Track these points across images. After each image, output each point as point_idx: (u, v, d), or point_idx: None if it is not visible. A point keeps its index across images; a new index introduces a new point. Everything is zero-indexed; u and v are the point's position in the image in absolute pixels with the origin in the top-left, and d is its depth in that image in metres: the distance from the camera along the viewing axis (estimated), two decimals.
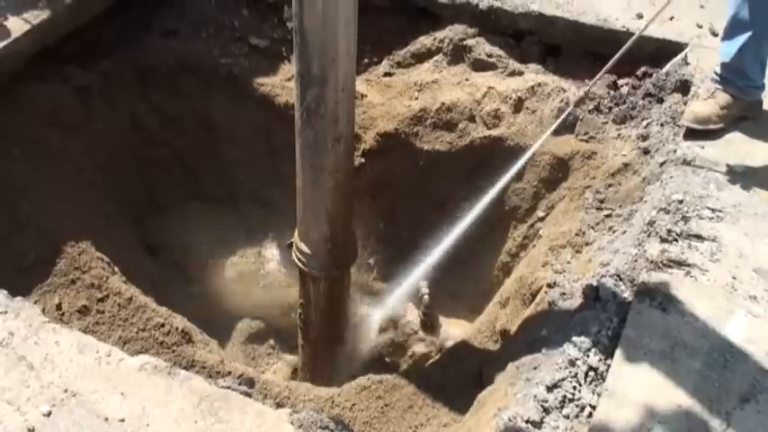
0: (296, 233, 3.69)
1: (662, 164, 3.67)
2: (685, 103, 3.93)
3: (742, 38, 3.49)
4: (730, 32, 3.56)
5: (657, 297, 2.86)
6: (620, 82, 4.42)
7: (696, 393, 2.54)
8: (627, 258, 3.16)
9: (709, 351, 2.68)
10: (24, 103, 4.22)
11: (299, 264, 3.69)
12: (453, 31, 4.84)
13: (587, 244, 3.60)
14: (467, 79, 4.73)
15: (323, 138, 3.13)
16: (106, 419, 2.45)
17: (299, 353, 4.33)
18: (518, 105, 4.49)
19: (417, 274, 4.35)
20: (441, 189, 4.74)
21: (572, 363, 2.73)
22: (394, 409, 3.55)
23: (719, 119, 3.66)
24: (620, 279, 3.05)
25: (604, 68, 3.57)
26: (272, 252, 5.05)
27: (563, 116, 3.92)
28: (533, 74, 4.63)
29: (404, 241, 5.04)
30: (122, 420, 2.46)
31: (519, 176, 4.44)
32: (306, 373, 4.33)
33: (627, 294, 2.97)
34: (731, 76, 3.64)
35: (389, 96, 4.85)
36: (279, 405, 3.41)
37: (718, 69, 3.70)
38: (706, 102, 3.71)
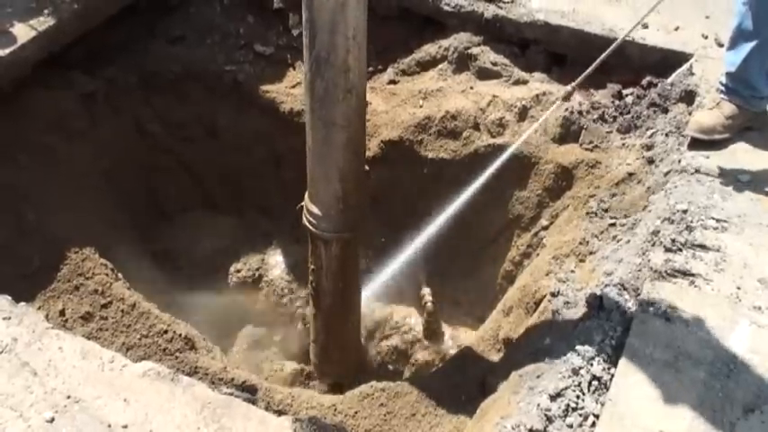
0: (306, 195, 3.56)
1: (666, 173, 3.67)
2: (690, 114, 3.93)
3: (747, 48, 3.49)
4: (735, 42, 3.56)
5: (661, 307, 2.86)
6: (625, 92, 4.43)
7: (700, 403, 2.53)
8: (631, 268, 3.16)
9: (713, 361, 2.67)
10: (30, 109, 4.23)
11: (309, 226, 3.55)
12: (458, 40, 4.84)
13: (591, 253, 3.60)
14: (471, 87, 4.74)
15: (334, 88, 3.01)
16: (109, 426, 2.45)
17: (310, 325, 4.24)
18: (523, 114, 4.49)
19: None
20: (445, 197, 4.73)
21: (575, 372, 2.72)
22: (397, 416, 3.54)
23: (724, 129, 3.66)
24: (624, 288, 3.05)
25: (595, 63, 3.57)
26: (275, 259, 5.05)
27: (551, 109, 3.93)
28: (538, 83, 4.63)
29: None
30: (125, 427, 2.46)
31: (523, 185, 4.44)
32: (317, 348, 4.24)
33: (631, 304, 2.96)
34: (736, 86, 3.64)
35: (394, 104, 4.86)
36: (281, 412, 3.41)
37: (724, 79, 3.70)
38: (711, 112, 3.70)
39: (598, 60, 3.53)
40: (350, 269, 3.80)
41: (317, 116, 3.15)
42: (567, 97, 3.77)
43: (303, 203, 3.58)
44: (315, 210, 3.49)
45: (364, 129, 3.39)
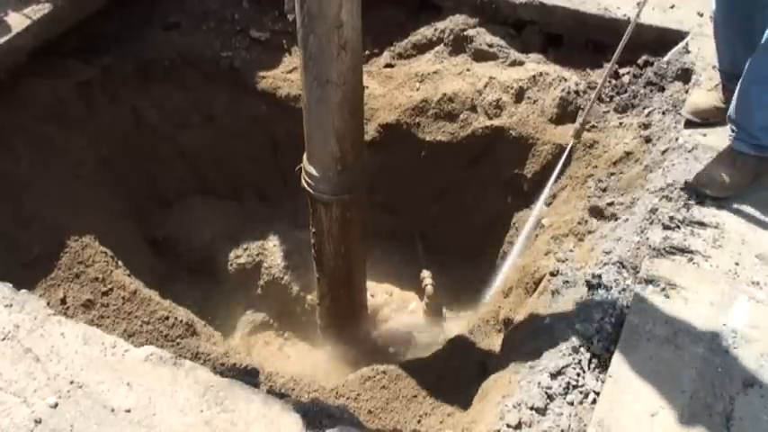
0: (304, 157, 3.47)
1: (664, 152, 3.67)
2: (687, 92, 3.92)
3: None
4: None
5: (660, 284, 2.87)
6: (622, 71, 4.42)
7: (699, 379, 2.55)
8: (629, 246, 3.17)
9: (712, 337, 2.69)
10: (26, 97, 4.23)
11: (308, 188, 3.47)
12: (454, 22, 4.83)
13: (590, 232, 3.60)
14: (468, 69, 4.73)
15: (327, 45, 2.91)
16: (112, 410, 2.47)
17: (316, 288, 4.22)
18: (519, 95, 4.49)
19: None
20: (442, 179, 4.74)
21: (576, 350, 2.74)
22: (398, 398, 3.56)
23: (720, 112, 3.63)
24: (623, 266, 3.06)
25: (613, 59, 3.53)
26: (275, 245, 5.05)
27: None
28: (534, 63, 4.63)
29: (404, 233, 5.05)
30: (128, 411, 2.47)
31: (521, 165, 4.44)
32: (323, 311, 4.21)
33: (630, 281, 2.98)
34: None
35: (391, 87, 4.85)
36: (283, 396, 3.42)
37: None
38: (708, 93, 3.68)
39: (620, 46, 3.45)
40: (352, 232, 3.71)
41: (312, 74, 3.06)
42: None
43: (302, 165, 3.50)
44: (313, 171, 3.42)
45: (361, 86, 3.28)
